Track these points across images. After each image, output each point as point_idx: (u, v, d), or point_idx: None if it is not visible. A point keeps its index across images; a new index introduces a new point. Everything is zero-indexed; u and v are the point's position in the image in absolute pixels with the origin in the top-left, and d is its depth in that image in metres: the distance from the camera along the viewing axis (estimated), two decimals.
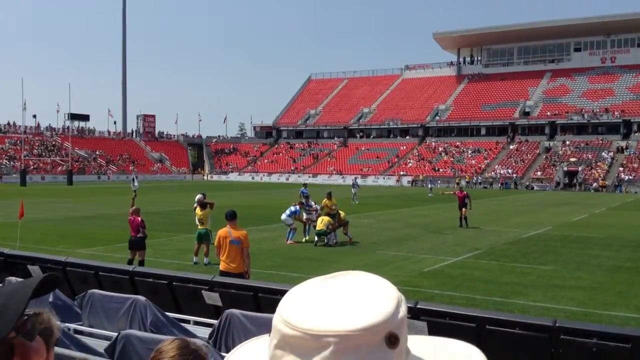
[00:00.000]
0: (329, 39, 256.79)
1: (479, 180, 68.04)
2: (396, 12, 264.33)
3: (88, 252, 15.86)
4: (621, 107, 76.03)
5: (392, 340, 0.79)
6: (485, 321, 5.38)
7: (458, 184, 67.75)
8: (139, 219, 12.89)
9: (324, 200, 19.25)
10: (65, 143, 79.26)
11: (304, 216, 19.02)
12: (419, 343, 0.88)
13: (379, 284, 0.85)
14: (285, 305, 0.82)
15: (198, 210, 15.16)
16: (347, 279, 0.85)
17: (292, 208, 18.79)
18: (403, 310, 0.82)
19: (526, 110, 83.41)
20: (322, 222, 17.92)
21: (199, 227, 14.76)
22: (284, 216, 18.67)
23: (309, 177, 78.60)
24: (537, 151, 74.45)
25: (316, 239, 18.00)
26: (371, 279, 0.86)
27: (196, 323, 6.47)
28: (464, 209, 23.92)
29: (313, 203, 19.48)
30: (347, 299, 0.81)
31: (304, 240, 18.71)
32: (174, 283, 7.38)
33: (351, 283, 0.84)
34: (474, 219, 25.58)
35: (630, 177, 63.00)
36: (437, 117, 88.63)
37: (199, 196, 16.40)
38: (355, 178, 49.52)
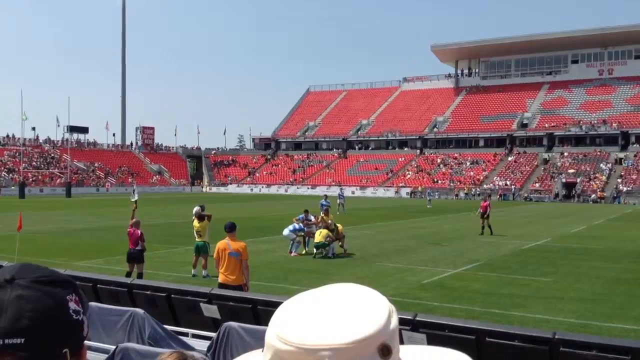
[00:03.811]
0: (327, 51, 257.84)
1: (478, 192, 68.00)
2: (394, 24, 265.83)
3: (86, 264, 15.82)
4: (619, 119, 76.28)
5: (385, 351, 0.79)
6: (484, 333, 5.37)
7: (457, 195, 67.88)
8: (139, 231, 12.85)
9: (321, 216, 19.33)
10: (64, 155, 79.27)
11: (302, 232, 19.12)
12: (411, 353, 0.89)
13: (369, 295, 0.85)
14: (277, 320, 0.83)
15: (196, 223, 15.15)
16: (338, 291, 0.86)
17: (296, 225, 18.84)
18: (394, 321, 0.83)
19: (524, 122, 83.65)
20: (320, 234, 17.96)
21: (197, 239, 14.74)
22: (286, 231, 18.69)
23: (308, 188, 78.63)
24: (536, 163, 74.56)
25: (315, 251, 18.03)
26: (362, 291, 0.86)
27: (194, 336, 6.44)
28: (486, 219, 24.50)
29: (312, 217, 19.62)
30: (339, 311, 0.81)
31: (303, 252, 18.73)
32: (172, 296, 7.35)
33: (342, 295, 0.85)
34: (473, 231, 25.60)
35: (628, 189, 63.05)
36: (435, 129, 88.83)
37: (196, 208, 16.42)
38: (341, 189, 49.69)
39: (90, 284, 7.99)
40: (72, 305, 0.99)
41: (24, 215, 17.11)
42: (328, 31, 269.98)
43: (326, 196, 30.38)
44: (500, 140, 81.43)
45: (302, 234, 19.03)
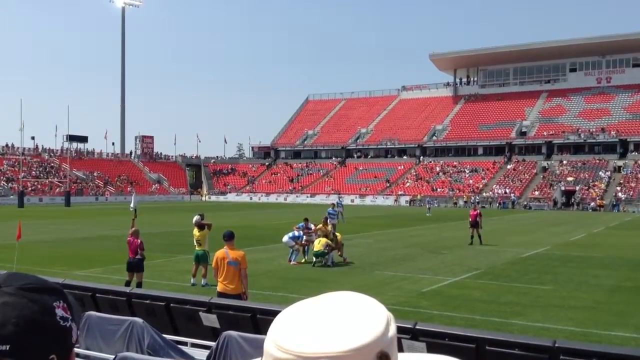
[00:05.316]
0: (326, 60, 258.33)
1: (477, 200, 68.02)
2: (393, 33, 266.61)
3: (85, 273, 15.80)
4: (617, 127, 76.43)
5: (384, 359, 0.80)
6: (484, 342, 5.36)
7: (455, 204, 67.89)
8: (138, 240, 12.85)
9: (320, 225, 19.34)
10: (64, 164, 79.27)
11: (304, 238, 19.09)
12: None
13: (368, 303, 0.86)
14: (276, 329, 0.83)
15: (195, 231, 15.14)
16: (337, 300, 0.87)
17: (296, 233, 18.84)
18: (393, 329, 0.83)
19: (523, 130, 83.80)
20: (319, 243, 17.94)
21: (197, 248, 14.73)
22: (285, 238, 18.70)
23: (307, 197, 78.61)
24: (535, 171, 74.64)
25: (314, 259, 18.01)
26: (360, 299, 0.87)
27: (194, 345, 6.43)
28: (475, 228, 24.21)
29: (312, 226, 19.58)
30: (338, 319, 0.82)
31: (303, 260, 18.71)
32: (171, 305, 7.34)
33: (341, 303, 0.86)
34: (474, 239, 25.51)
35: (627, 196, 63.09)
36: (434, 137, 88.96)
37: (196, 217, 16.41)
38: (339, 197, 49.51)
39: (90, 293, 7.97)
40: (60, 312, 0.99)
41: (23, 224, 17.08)
42: (327, 40, 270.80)
43: (334, 205, 30.11)
44: (499, 148, 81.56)
45: (301, 242, 18.97)
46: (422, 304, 12.55)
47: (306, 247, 19.15)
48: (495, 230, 31.76)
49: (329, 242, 18.10)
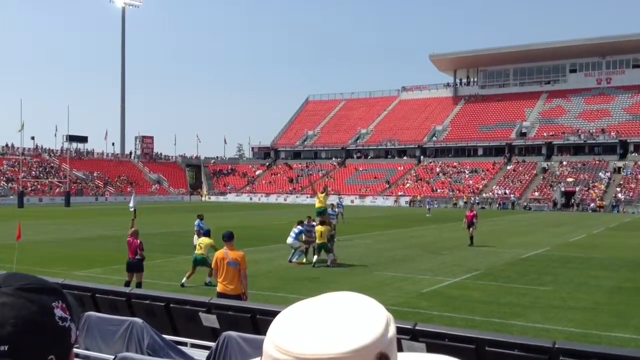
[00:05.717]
0: (326, 60, 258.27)
1: (477, 201, 67.98)
2: (393, 33, 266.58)
3: (85, 273, 15.79)
4: (617, 128, 76.44)
5: None
6: (484, 342, 5.36)
7: (455, 204, 67.87)
8: (138, 241, 12.84)
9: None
10: (63, 165, 79.28)
11: (303, 237, 19.09)
12: None
13: (367, 304, 0.86)
14: (275, 330, 0.83)
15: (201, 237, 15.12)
16: (336, 300, 0.87)
17: (296, 229, 18.83)
18: (392, 330, 0.83)
19: (523, 131, 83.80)
20: (321, 235, 17.95)
21: (197, 251, 14.65)
22: (290, 240, 18.66)
23: (307, 197, 78.60)
24: (534, 171, 74.62)
25: (315, 258, 18.04)
26: (360, 300, 0.87)
27: (193, 346, 6.42)
28: (471, 228, 24.20)
29: (314, 223, 19.58)
30: (337, 320, 0.81)
31: (304, 260, 18.71)
32: (171, 305, 7.34)
33: (340, 304, 0.85)
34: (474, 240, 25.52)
35: (627, 197, 63.09)
36: (434, 138, 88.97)
37: (203, 229, 16.40)
38: (339, 198, 49.49)
39: (89, 294, 7.97)
40: (59, 312, 0.99)
41: (23, 224, 17.07)
42: (327, 40, 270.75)
43: (333, 205, 30.06)
44: (499, 149, 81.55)
45: (305, 237, 18.94)
46: (421, 305, 12.55)
47: (308, 247, 19.16)
48: (495, 231, 31.77)
49: (329, 228, 18.36)
